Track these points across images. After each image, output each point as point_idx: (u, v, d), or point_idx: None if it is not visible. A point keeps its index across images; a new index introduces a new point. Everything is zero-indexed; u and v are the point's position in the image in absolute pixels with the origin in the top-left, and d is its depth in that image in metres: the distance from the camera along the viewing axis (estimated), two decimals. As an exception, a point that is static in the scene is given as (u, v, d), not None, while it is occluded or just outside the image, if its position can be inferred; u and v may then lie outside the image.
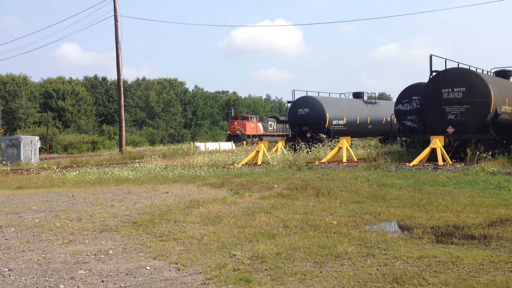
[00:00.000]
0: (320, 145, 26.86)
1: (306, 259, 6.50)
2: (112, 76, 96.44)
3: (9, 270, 6.29)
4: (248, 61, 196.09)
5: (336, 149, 22.80)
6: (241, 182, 14.96)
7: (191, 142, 43.62)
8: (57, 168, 22.56)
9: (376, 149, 28.85)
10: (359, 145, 30.85)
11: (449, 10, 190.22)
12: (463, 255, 6.59)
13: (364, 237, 7.63)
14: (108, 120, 75.95)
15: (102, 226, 8.97)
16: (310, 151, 25.03)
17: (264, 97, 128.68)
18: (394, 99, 30.95)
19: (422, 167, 17.64)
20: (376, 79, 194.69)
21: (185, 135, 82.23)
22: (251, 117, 54.71)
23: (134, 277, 5.95)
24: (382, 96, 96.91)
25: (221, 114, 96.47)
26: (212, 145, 43.04)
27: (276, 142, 47.61)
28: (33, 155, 30.44)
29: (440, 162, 18.31)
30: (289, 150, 27.00)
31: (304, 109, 31.15)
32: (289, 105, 32.78)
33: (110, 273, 6.11)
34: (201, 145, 42.22)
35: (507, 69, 25.96)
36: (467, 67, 21.74)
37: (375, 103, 37.58)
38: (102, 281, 5.83)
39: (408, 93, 26.01)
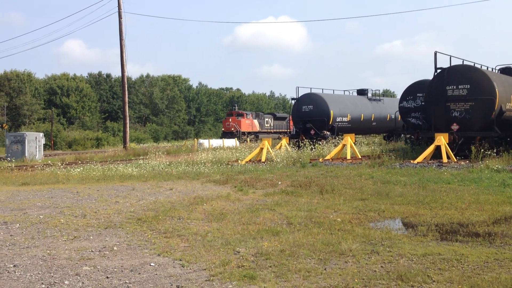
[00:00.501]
0: (324, 142, 26.85)
1: (310, 256, 6.50)
2: (116, 72, 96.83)
3: (14, 266, 6.32)
4: (252, 57, 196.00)
5: (340, 146, 22.77)
6: (245, 179, 14.97)
7: (195, 139, 43.68)
8: (62, 165, 22.61)
9: (380, 146, 28.82)
10: (363, 142, 30.81)
11: (454, 7, 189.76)
12: (468, 252, 6.58)
13: (368, 234, 7.63)
14: (112, 117, 76.06)
15: (106, 223, 9.00)
16: (314, 148, 25.01)
17: (268, 94, 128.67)
18: (399, 96, 30.86)
19: (427, 165, 17.60)
20: (381, 76, 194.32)
21: (189, 132, 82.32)
22: (246, 114, 53.61)
23: (139, 274, 5.96)
24: (386, 93, 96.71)
25: (225, 111, 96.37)
26: (216, 142, 43.03)
27: (274, 139, 47.67)
28: (37, 152, 30.53)
29: (445, 159, 18.26)
30: (293, 147, 26.99)
31: (308, 106, 31.11)
32: (293, 102, 32.74)
33: (115, 270, 6.13)
34: (205, 142, 42.22)
35: (512, 66, 25.85)
36: (472, 64, 21.65)
37: (379, 100, 37.50)
38: (107, 277, 5.84)
39: (413, 90, 25.92)
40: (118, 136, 58.57)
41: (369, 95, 37.15)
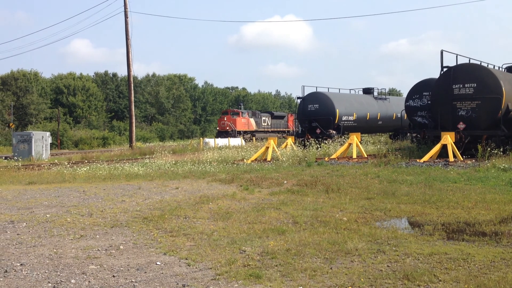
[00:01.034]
0: (330, 141, 26.80)
1: (316, 255, 6.50)
2: (122, 72, 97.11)
3: (21, 264, 6.34)
4: (258, 56, 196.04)
5: (346, 145, 22.73)
6: (250, 178, 14.97)
7: (201, 138, 43.73)
8: (68, 164, 22.70)
9: (386, 145, 28.74)
10: (369, 141, 30.74)
11: (460, 5, 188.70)
12: (474, 252, 6.55)
13: (375, 234, 7.61)
14: (119, 116, 76.27)
15: (113, 222, 9.02)
16: (320, 147, 24.97)
17: (273, 93, 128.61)
18: (405, 95, 30.74)
19: (433, 164, 17.54)
20: (387, 74, 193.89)
21: (195, 131, 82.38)
22: (242, 112, 52.30)
23: (145, 272, 5.98)
24: (392, 92, 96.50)
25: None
26: (221, 141, 43.05)
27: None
28: (44, 151, 30.65)
29: (451, 158, 18.20)
30: (299, 146, 26.97)
31: (314, 105, 31.05)
32: (298, 101, 32.69)
33: (121, 268, 6.15)
34: (210, 141, 42.25)
35: (519, 64, 25.71)
36: (478, 62, 21.57)
37: (385, 99, 37.39)
38: (113, 276, 5.86)
39: (419, 89, 25.83)
40: (124, 135, 58.74)
41: (375, 94, 37.04)
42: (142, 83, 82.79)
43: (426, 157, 18.66)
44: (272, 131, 54.85)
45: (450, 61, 22.97)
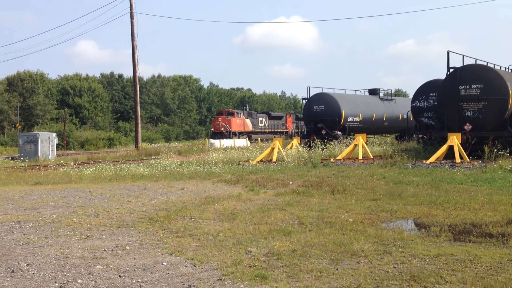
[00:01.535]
0: (336, 142, 26.77)
1: (322, 256, 6.49)
2: (128, 73, 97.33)
3: (28, 265, 6.37)
4: (263, 57, 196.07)
5: (351, 146, 22.68)
6: (256, 179, 14.97)
7: (206, 139, 43.69)
8: (74, 164, 22.77)
9: (392, 146, 28.66)
10: (375, 142, 30.68)
11: (467, 6, 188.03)
12: (481, 253, 6.53)
13: (381, 235, 7.59)
14: (124, 117, 76.48)
15: (119, 222, 9.04)
16: (326, 148, 24.93)
17: (279, 93, 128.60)
18: (411, 96, 30.66)
19: (439, 165, 17.48)
20: (393, 75, 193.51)
21: (200, 131, 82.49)
22: (237, 113, 51.37)
23: (151, 273, 5.99)
24: (399, 93, 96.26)
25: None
26: (227, 142, 43.10)
27: (267, 140, 46.99)
28: (50, 151, 30.78)
29: (458, 159, 18.14)
30: (304, 147, 26.94)
31: (319, 106, 31.01)
32: (304, 102, 32.66)
33: (127, 269, 6.16)
34: (216, 142, 42.30)
35: (525, 65, 25.58)
36: (485, 63, 21.47)
37: (391, 99, 37.30)
38: (119, 276, 5.87)
39: (425, 89, 25.76)
40: (130, 136, 58.89)
41: (381, 94, 36.94)
42: (147, 84, 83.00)
43: (432, 158, 18.60)
44: (269, 132, 53.94)
45: (456, 62, 22.90)
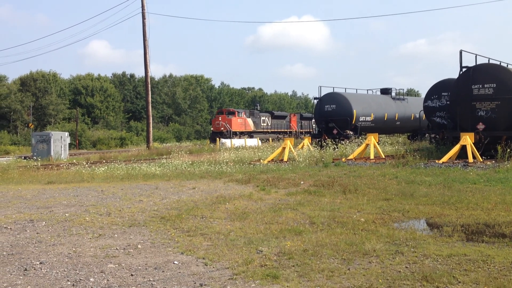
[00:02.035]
0: (347, 141, 26.68)
1: (334, 256, 6.47)
2: (140, 73, 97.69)
3: (41, 263, 6.41)
4: (275, 57, 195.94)
5: (363, 145, 22.60)
6: (267, 179, 14.97)
7: (217, 139, 43.68)
8: (86, 164, 22.92)
9: (404, 146, 28.52)
10: (387, 142, 30.57)
11: (479, 5, 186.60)
12: (494, 253, 6.47)
13: (393, 235, 7.55)
14: (136, 117, 76.84)
15: (130, 221, 9.08)
16: (337, 147, 24.87)
17: (290, 93, 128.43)
18: (423, 96, 30.47)
19: (452, 165, 17.37)
20: (404, 75, 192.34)
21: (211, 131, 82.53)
22: (238, 112, 49.37)
23: (163, 272, 6.00)
24: (411, 92, 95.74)
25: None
26: (238, 142, 43.12)
27: (268, 140, 46.31)
28: (63, 151, 31.01)
29: (470, 159, 18.00)
30: (315, 147, 26.89)
31: (331, 106, 30.92)
32: (315, 101, 32.59)
33: (139, 267, 6.19)
34: (227, 142, 42.35)
35: (539, 64, 25.31)
36: (498, 62, 21.29)
37: (403, 99, 37.10)
38: (131, 275, 5.90)
39: (438, 89, 25.60)
40: (142, 136, 59.16)
41: (393, 94, 36.76)
42: (159, 84, 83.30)
43: (445, 158, 18.48)
44: (272, 132, 52.50)
45: (469, 62, 22.70)
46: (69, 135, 34.20)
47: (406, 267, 5.99)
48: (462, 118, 20.63)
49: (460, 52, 20.76)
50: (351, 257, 6.40)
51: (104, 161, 26.58)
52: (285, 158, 22.41)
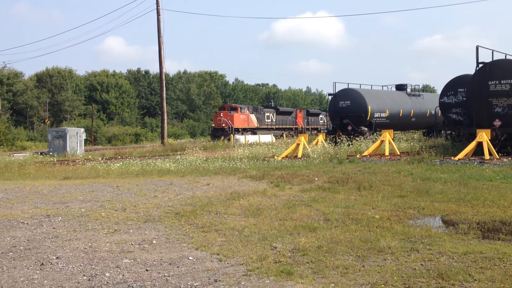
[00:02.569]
0: (362, 138, 26.54)
1: (348, 253, 6.45)
2: (154, 69, 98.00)
3: (57, 258, 6.48)
4: (289, 53, 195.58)
5: (378, 142, 22.48)
6: (281, 175, 14.95)
7: (231, 135, 43.69)
8: (102, 160, 23.07)
9: (420, 142, 28.29)
10: (402, 138, 30.32)
11: (497, 0, 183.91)
12: (510, 251, 6.41)
13: (408, 232, 7.51)
14: (151, 113, 77.22)
15: (145, 217, 9.14)
16: (351, 144, 24.76)
17: (304, 89, 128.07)
18: (439, 92, 30.18)
19: (468, 161, 17.21)
20: (420, 71, 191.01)
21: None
22: (241, 108, 47.89)
23: (177, 267, 6.04)
24: (426, 88, 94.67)
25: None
26: (252, 138, 43.11)
27: (276, 136, 45.53)
28: (78, 147, 31.27)
29: (487, 156, 17.82)
30: (330, 143, 26.81)
31: (345, 102, 30.76)
32: (329, 97, 32.44)
33: (154, 263, 6.23)
34: (241, 138, 42.37)
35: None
36: (516, 58, 21.03)
37: (419, 95, 36.78)
38: (147, 270, 5.94)
39: (454, 85, 25.35)
40: (156, 132, 59.37)
41: (408, 90, 36.46)
42: (173, 80, 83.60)
43: (461, 155, 18.32)
44: (277, 129, 51.25)
45: (486, 57, 22.46)
46: (85, 131, 34.47)
47: (422, 264, 5.95)
48: (478, 115, 20.43)
49: (477, 48, 20.55)
50: (365, 254, 6.38)
51: (119, 157, 26.75)
52: (299, 155, 22.38)
